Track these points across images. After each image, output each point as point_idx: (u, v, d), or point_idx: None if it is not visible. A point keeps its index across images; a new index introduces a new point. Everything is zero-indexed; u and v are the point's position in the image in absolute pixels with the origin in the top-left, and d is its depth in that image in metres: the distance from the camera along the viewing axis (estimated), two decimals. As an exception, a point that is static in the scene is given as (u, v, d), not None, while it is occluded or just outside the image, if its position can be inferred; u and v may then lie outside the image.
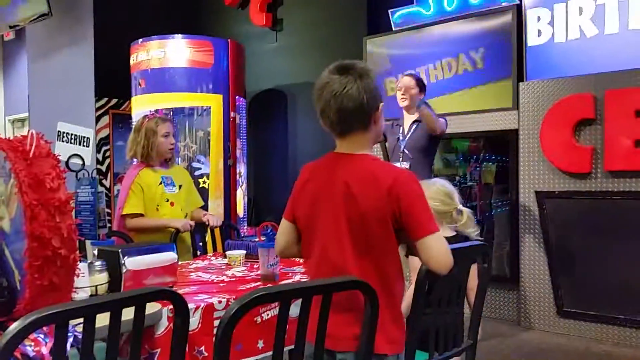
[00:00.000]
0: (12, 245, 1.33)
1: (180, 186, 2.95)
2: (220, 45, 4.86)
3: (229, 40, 4.96)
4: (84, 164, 1.75)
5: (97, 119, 6.14)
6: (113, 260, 1.66)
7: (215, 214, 3.15)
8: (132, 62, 5.02)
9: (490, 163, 4.27)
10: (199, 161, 4.88)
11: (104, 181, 6.46)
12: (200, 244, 3.05)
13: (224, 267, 2.26)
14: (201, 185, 4.83)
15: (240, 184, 5.24)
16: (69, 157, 1.76)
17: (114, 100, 6.42)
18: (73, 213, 1.35)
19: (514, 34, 4.07)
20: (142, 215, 2.79)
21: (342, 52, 5.22)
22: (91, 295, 1.59)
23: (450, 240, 2.09)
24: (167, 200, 2.87)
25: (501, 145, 4.15)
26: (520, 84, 3.96)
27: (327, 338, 1.24)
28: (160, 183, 2.87)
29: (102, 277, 1.64)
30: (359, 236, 1.43)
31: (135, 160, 3.00)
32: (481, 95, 4.25)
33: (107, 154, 6.64)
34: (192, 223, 2.85)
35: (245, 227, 5.34)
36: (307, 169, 1.58)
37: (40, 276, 1.24)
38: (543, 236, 3.79)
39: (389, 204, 1.39)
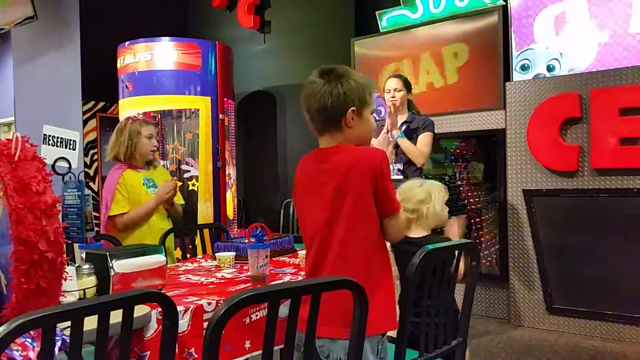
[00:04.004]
0: (-2, 250, 1.32)
1: None
2: (207, 48, 4.85)
3: (216, 42, 4.95)
4: (70, 167, 1.75)
5: (85, 122, 6.10)
6: (101, 264, 1.65)
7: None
8: (119, 65, 4.99)
9: (478, 162, 4.29)
10: (187, 164, 4.86)
11: (92, 185, 6.43)
12: (190, 246, 3.04)
13: (213, 269, 2.25)
14: (190, 188, 4.82)
15: (230, 186, 5.23)
16: (55, 161, 1.75)
17: (102, 104, 6.38)
18: (60, 216, 1.34)
19: (500, 34, 4.10)
20: (127, 214, 2.77)
21: (330, 54, 5.26)
22: (79, 299, 1.58)
23: (422, 240, 2.12)
24: None
25: (489, 145, 4.18)
26: (507, 83, 3.99)
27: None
28: (143, 185, 2.87)
29: (90, 281, 1.63)
30: (340, 222, 1.51)
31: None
32: (468, 94, 4.28)
33: (95, 157, 6.59)
34: (174, 184, 2.87)
35: (236, 229, 5.33)
36: (298, 166, 1.68)
37: (27, 280, 1.23)
38: (532, 234, 3.82)
39: (367, 184, 1.48)
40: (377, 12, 4.82)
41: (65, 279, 1.31)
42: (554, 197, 3.75)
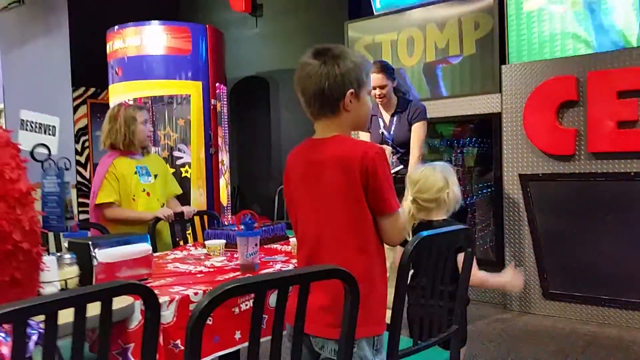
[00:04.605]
0: (-29, 240, 1.25)
1: (155, 176, 2.89)
2: (198, 31, 4.76)
3: (207, 25, 4.85)
4: (50, 153, 1.68)
5: (75, 109, 6.01)
6: (83, 253, 1.59)
7: (192, 207, 3.10)
8: (108, 50, 4.89)
9: (473, 147, 4.24)
10: (180, 150, 4.79)
11: (83, 172, 6.35)
12: (188, 233, 3.00)
13: (202, 257, 2.20)
14: (183, 175, 4.76)
15: (223, 172, 5.17)
16: (34, 147, 1.69)
17: (92, 90, 6.28)
18: (36, 205, 1.28)
19: (496, 16, 4.02)
20: (115, 204, 2.71)
21: (323, 38, 5.17)
22: (61, 290, 1.53)
23: (442, 223, 2.06)
24: (144, 191, 2.80)
25: (484, 129, 4.12)
26: (503, 66, 3.92)
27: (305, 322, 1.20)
28: (135, 173, 2.80)
29: (72, 271, 1.57)
30: (333, 215, 1.44)
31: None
32: (464, 78, 4.21)
33: (86, 144, 6.52)
34: (172, 213, 2.79)
35: (230, 216, 5.27)
36: (288, 159, 1.60)
37: (0, 272, 1.17)
38: (528, 219, 3.78)
39: (359, 180, 1.40)
40: (371, -6, 4.73)
41: (42, 270, 1.25)
42: (550, 181, 3.70)
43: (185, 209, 2.95)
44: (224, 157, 5.18)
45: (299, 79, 1.47)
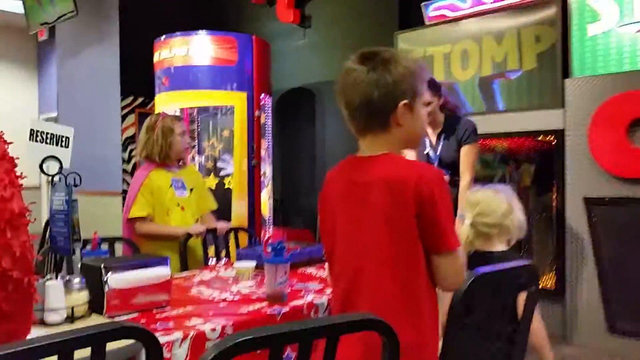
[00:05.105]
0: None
1: (191, 190, 2.76)
2: (244, 42, 4.66)
3: (253, 35, 4.76)
4: (61, 167, 1.57)
5: (123, 117, 6.04)
6: (94, 277, 1.44)
7: (226, 224, 2.95)
8: (155, 59, 4.87)
9: (532, 166, 3.93)
10: (224, 161, 4.70)
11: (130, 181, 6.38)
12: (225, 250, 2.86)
13: (230, 281, 2.02)
14: (226, 186, 4.66)
15: (266, 184, 5.04)
16: (44, 160, 1.58)
17: (140, 99, 6.31)
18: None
19: (559, 27, 3.72)
20: (147, 218, 2.60)
21: (372, 48, 4.98)
22: (67, 318, 1.38)
23: (501, 255, 1.82)
24: (178, 205, 2.68)
25: (545, 147, 3.81)
26: (566, 80, 3.61)
27: None
28: (171, 186, 2.68)
29: (81, 297, 1.42)
30: (377, 247, 1.23)
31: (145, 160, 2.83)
32: (523, 92, 3.92)
33: (134, 153, 6.55)
34: (204, 229, 2.66)
35: (271, 229, 5.13)
36: (326, 178, 1.41)
37: (-14, 303, 1.03)
38: (592, 246, 3.44)
39: (412, 207, 1.18)
40: (422, 4, 4.51)
41: (35, 301, 1.10)
42: (618, 206, 3.35)
43: (219, 224, 2.81)
44: (267, 169, 5.05)
45: (343, 88, 1.28)
